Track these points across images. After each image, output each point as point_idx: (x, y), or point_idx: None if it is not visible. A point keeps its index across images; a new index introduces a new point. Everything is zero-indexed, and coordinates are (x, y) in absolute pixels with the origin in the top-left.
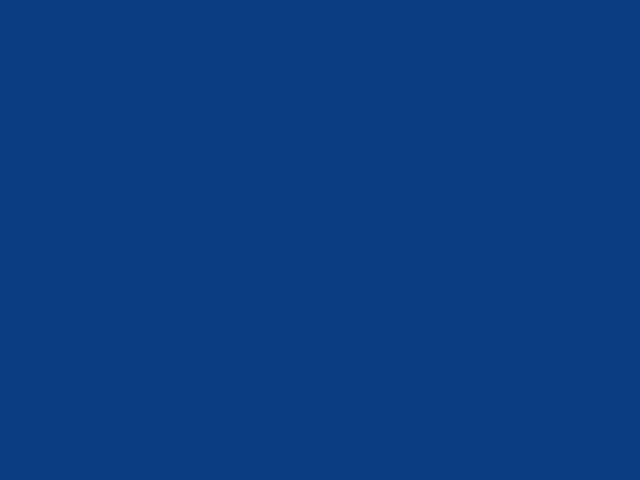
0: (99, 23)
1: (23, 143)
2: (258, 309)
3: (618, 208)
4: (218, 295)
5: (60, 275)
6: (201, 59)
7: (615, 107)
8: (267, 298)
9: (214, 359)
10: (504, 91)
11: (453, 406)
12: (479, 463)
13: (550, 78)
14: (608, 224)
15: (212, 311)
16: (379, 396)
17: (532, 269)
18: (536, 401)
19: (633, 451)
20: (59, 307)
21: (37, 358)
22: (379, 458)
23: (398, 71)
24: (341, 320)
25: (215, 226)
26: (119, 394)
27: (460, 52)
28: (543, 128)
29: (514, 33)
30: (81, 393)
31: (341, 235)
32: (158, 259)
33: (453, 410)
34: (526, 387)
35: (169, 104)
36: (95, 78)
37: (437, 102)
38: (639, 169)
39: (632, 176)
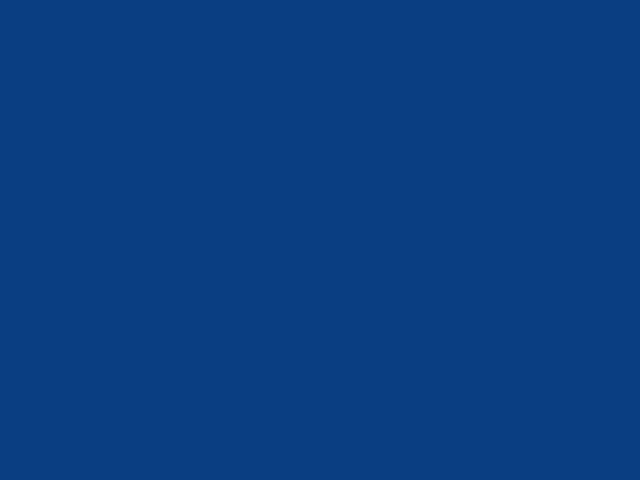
0: (99, 23)
1: (23, 143)
2: (258, 309)
3: (618, 208)
4: (218, 295)
5: (60, 275)
6: (201, 59)
7: (615, 107)
8: (267, 298)
9: (214, 359)
10: (504, 91)
11: (453, 406)
12: (479, 463)
13: (550, 78)
14: (608, 224)
15: (212, 311)
16: (379, 396)
17: (532, 269)
18: (536, 401)
19: (633, 451)
20: (59, 307)
21: (37, 358)
22: (379, 458)
23: (398, 71)
24: (341, 320)
25: (215, 226)
26: (119, 394)
27: (460, 52)
28: (543, 128)
29: (514, 33)
30: (81, 393)
31: (341, 235)
32: (158, 259)
33: (453, 410)
34: (526, 387)
35: (169, 104)
36: (95, 78)
37: (437, 102)
38: (639, 169)
39: (632, 176)
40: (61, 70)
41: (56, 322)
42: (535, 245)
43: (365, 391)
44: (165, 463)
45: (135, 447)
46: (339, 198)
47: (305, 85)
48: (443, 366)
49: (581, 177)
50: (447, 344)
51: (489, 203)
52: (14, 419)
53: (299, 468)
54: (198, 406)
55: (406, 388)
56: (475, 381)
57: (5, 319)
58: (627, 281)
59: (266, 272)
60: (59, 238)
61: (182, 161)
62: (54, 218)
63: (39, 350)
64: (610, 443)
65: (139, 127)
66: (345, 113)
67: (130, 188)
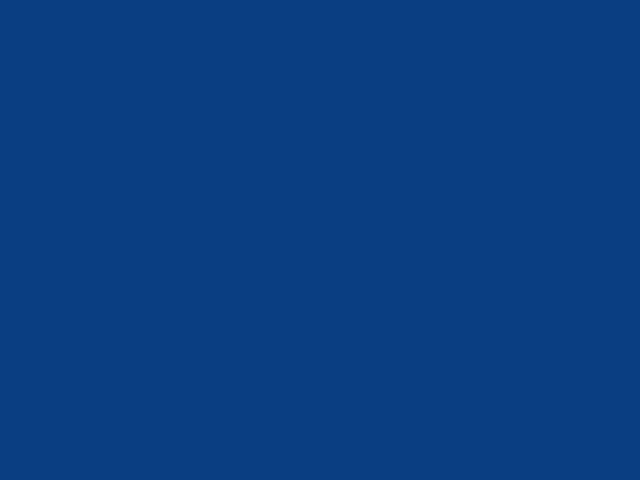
0: (99, 23)
1: (23, 143)
2: (258, 309)
3: (618, 208)
4: (218, 295)
5: (60, 275)
6: (201, 59)
7: (615, 107)
8: (267, 298)
9: (214, 359)
10: (504, 91)
11: (453, 406)
12: (479, 463)
13: (550, 78)
14: (608, 224)
15: (212, 311)
16: (379, 396)
17: (532, 269)
18: (536, 401)
19: (633, 451)
20: (59, 307)
21: (37, 358)
22: (379, 458)
23: (398, 71)
24: (341, 320)
25: (215, 226)
26: (119, 394)
27: (460, 52)
28: (543, 128)
29: (514, 33)
30: (81, 393)
31: (341, 235)
32: (158, 259)
33: (453, 410)
34: (526, 387)
35: (169, 104)
36: (95, 78)
37: (437, 102)
38: (639, 169)
39: (632, 176)
40: (61, 70)
41: (56, 322)
42: (535, 245)
43: (365, 391)
44: (165, 463)
45: (135, 447)
46: (339, 198)
47: (305, 85)
48: (443, 366)
49: (581, 177)
50: (447, 344)
51: (489, 203)
52: (14, 419)
53: (299, 468)
54: (198, 406)
55: (406, 388)
56: (475, 381)
57: (5, 319)
58: (627, 281)
59: (266, 272)
60: (59, 238)
61: (182, 161)
62: (54, 218)
63: (39, 350)
64: (610, 443)
65: (139, 127)
66: (345, 113)
67: (130, 188)
